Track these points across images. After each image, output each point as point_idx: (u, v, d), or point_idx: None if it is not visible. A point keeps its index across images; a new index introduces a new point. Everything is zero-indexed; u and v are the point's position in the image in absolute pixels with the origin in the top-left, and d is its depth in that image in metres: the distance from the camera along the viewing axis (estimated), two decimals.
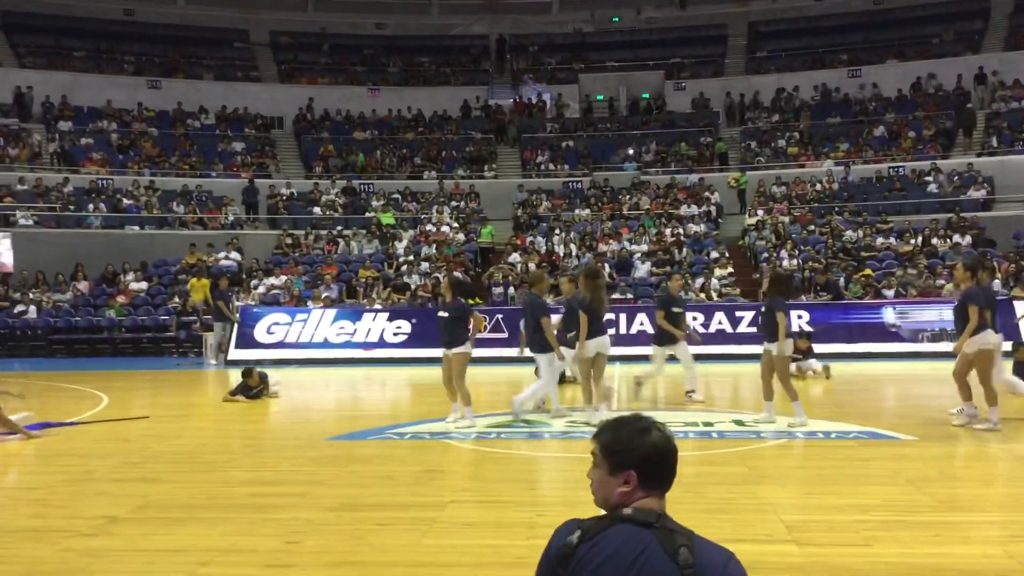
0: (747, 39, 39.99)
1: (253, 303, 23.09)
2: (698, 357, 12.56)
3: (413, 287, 23.74)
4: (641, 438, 2.55)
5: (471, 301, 22.96)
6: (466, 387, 10.79)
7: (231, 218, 29.35)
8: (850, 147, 32.42)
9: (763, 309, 11.04)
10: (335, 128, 35.78)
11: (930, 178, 28.78)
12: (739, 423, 10.73)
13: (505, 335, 20.50)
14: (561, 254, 25.69)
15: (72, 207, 28.46)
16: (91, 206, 28.35)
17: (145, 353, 23.66)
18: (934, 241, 24.67)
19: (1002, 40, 36.00)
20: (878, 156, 31.63)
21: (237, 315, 21.29)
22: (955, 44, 36.54)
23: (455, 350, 10.80)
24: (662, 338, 12.90)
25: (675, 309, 12.93)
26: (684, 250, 25.54)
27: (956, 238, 24.57)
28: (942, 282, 21.64)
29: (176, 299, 24.50)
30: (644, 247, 25.99)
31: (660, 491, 2.55)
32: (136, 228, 28.33)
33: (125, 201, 28.92)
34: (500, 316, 20.85)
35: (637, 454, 2.53)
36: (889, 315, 19.98)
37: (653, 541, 2.41)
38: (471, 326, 11.11)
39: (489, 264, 26.46)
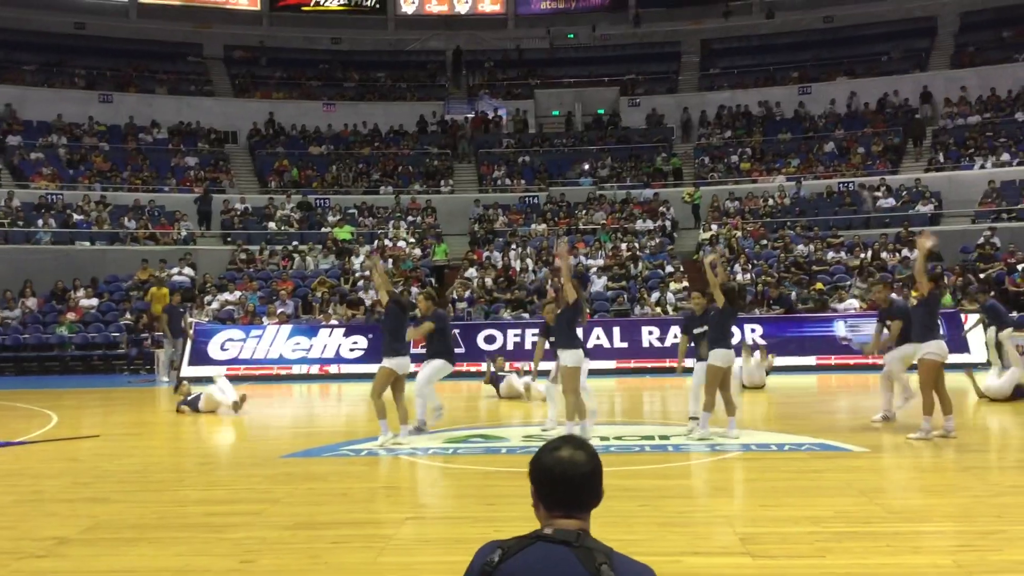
0: (700, 56, 40.49)
1: (207, 319, 22.84)
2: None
3: (369, 302, 23.62)
4: (547, 455, 2.61)
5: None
6: (381, 401, 10.73)
7: (184, 233, 29.02)
8: (801, 163, 32.92)
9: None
10: (290, 143, 35.58)
11: (880, 193, 29.31)
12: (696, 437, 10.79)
13: (463, 350, 20.51)
14: (517, 269, 25.75)
15: (21, 222, 27.97)
16: (40, 221, 27.88)
17: (96, 371, 23.30)
18: (883, 255, 25.10)
19: (948, 58, 36.85)
20: (828, 172, 32.15)
21: (192, 331, 21.04)
22: (903, 62, 37.32)
23: (383, 363, 10.83)
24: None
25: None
26: (640, 264, 25.72)
27: (905, 252, 25.01)
28: (893, 296, 21.98)
29: (128, 315, 24.16)
30: (600, 261, 26.13)
31: (571, 511, 2.57)
32: (87, 244, 27.89)
33: (75, 216, 28.49)
34: (457, 331, 20.84)
35: (536, 471, 2.61)
36: (840, 328, 20.28)
37: (573, 560, 2.45)
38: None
39: (444, 281, 26.40)
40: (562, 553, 2.45)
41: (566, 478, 2.56)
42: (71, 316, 24.21)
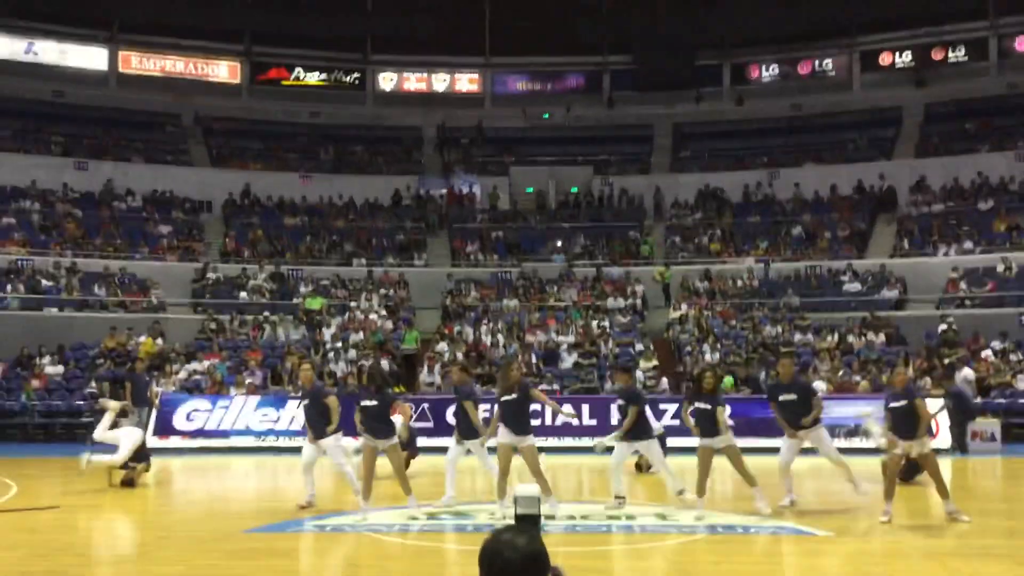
0: (672, 139, 41.30)
1: (173, 388, 22.63)
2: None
3: (340, 374, 23.53)
4: (489, 540, 2.74)
5: (396, 389, 22.87)
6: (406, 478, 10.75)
7: (156, 301, 28.87)
8: (769, 245, 33.41)
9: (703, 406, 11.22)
10: (265, 213, 35.71)
11: (845, 277, 29.79)
12: (661, 516, 10.80)
13: (431, 424, 20.43)
14: (488, 344, 25.80)
15: None
16: (8, 287, 27.66)
17: (58, 439, 22.91)
18: (850, 339, 25.43)
19: (913, 147, 37.80)
20: (796, 255, 32.65)
21: (157, 400, 20.81)
22: (869, 149, 38.24)
23: (389, 441, 10.71)
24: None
25: (783, 397, 11.89)
26: (610, 342, 25.86)
27: (871, 336, 25.36)
28: (857, 378, 22.26)
29: (93, 384, 23.85)
30: (571, 338, 26.25)
31: None
32: (55, 310, 27.67)
33: (44, 282, 28.29)
34: (426, 405, 20.79)
35: (479, 555, 2.72)
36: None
37: None
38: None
39: (413, 366, 25.81)
40: None
41: (503, 559, 2.64)
42: (35, 383, 23.88)
